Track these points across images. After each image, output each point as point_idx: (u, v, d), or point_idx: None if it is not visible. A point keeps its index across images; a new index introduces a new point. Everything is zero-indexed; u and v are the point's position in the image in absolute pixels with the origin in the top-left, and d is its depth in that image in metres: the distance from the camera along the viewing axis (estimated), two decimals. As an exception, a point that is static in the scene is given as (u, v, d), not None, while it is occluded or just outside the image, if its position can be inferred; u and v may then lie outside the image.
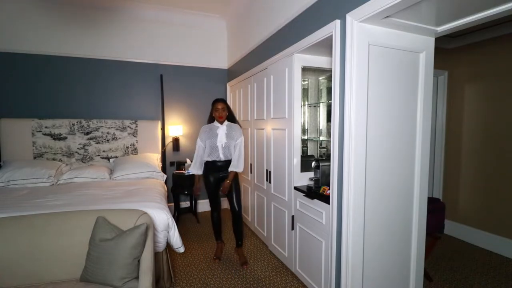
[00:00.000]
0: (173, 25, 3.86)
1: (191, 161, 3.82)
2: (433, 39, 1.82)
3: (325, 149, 2.73)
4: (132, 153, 3.72)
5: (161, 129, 3.81)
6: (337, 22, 1.69)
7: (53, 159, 3.37)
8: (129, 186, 2.80)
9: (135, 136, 3.72)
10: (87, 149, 3.52)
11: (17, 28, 3.24)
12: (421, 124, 1.83)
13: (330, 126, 1.95)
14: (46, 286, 1.48)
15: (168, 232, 2.13)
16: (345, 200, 1.68)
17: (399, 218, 1.83)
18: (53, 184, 2.95)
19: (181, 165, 3.78)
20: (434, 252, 2.80)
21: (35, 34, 3.31)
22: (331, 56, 1.78)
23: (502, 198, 2.79)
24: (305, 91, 2.69)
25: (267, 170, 2.81)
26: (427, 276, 2.28)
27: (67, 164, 3.38)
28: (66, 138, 3.42)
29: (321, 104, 2.69)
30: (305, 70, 2.38)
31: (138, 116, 3.80)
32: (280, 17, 2.45)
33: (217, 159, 2.56)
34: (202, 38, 4.04)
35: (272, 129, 2.67)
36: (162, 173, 3.42)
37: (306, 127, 2.72)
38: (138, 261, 1.54)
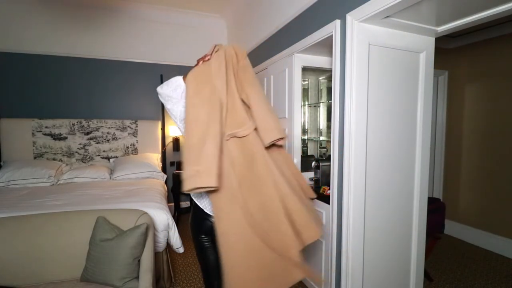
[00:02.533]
0: (173, 25, 3.86)
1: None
2: (433, 39, 1.82)
3: (325, 149, 2.73)
4: (132, 153, 3.72)
5: (161, 129, 3.81)
6: (337, 22, 1.68)
7: (53, 159, 3.37)
8: (129, 186, 2.80)
9: (135, 136, 3.72)
10: (87, 149, 3.52)
11: (17, 28, 3.24)
12: (421, 124, 1.83)
13: (330, 126, 1.95)
14: (46, 286, 1.48)
15: (168, 232, 2.13)
16: (345, 200, 1.68)
17: (399, 218, 1.83)
18: (53, 184, 2.95)
19: (181, 165, 3.78)
20: (434, 252, 2.80)
21: (35, 34, 3.31)
22: (331, 56, 1.78)
23: (502, 198, 2.79)
24: (305, 91, 2.69)
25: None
26: (428, 276, 2.28)
27: (67, 164, 3.38)
28: (66, 138, 3.42)
29: (321, 104, 2.68)
30: (305, 70, 2.38)
31: (138, 116, 3.80)
32: (280, 17, 2.45)
33: None
34: (202, 38, 4.03)
35: (272, 129, 2.66)
36: (162, 173, 3.42)
37: (306, 127, 2.72)
38: (139, 261, 1.54)
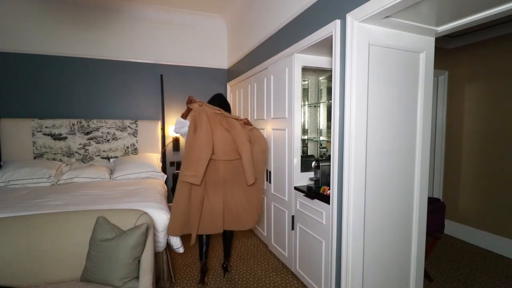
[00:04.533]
0: (173, 25, 3.86)
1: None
2: (433, 39, 1.82)
3: (325, 149, 2.73)
4: (132, 153, 3.72)
5: (161, 129, 3.82)
6: (337, 22, 1.69)
7: (53, 159, 3.37)
8: (129, 186, 2.80)
9: (135, 136, 3.72)
10: (87, 149, 3.52)
11: (17, 28, 3.24)
12: (421, 124, 1.83)
13: (330, 126, 1.95)
14: (46, 286, 1.48)
15: (168, 232, 2.13)
16: (345, 200, 1.68)
17: (399, 218, 1.83)
18: (53, 184, 2.95)
19: (180, 165, 3.78)
20: (434, 252, 2.80)
21: (35, 34, 3.31)
22: (331, 56, 1.78)
23: (502, 198, 2.80)
24: (305, 91, 2.69)
25: (267, 170, 2.81)
26: (427, 276, 2.28)
27: (67, 164, 3.38)
28: (66, 138, 3.42)
29: (321, 104, 2.69)
30: (305, 70, 2.38)
31: (138, 116, 3.80)
32: (280, 17, 2.45)
33: None
34: (202, 38, 4.04)
35: (272, 129, 2.67)
36: (162, 173, 3.42)
37: (306, 127, 2.72)
38: (139, 261, 1.54)
